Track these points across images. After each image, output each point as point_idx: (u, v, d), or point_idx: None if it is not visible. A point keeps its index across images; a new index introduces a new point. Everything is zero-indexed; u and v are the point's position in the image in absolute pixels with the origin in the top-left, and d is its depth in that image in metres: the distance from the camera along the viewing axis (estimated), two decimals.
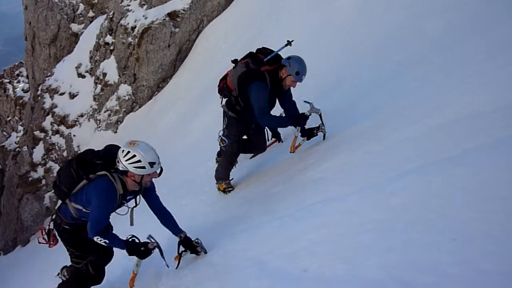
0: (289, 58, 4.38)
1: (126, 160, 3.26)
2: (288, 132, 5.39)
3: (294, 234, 2.69)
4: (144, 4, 12.12)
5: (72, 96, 13.87)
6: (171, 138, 9.47)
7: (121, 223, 3.66)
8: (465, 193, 1.97)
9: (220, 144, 4.99)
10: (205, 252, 3.56)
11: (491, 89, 3.23)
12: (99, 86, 13.15)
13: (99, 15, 14.45)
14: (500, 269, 1.47)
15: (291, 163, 4.52)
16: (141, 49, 11.58)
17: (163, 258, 3.42)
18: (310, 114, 4.50)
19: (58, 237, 3.78)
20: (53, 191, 3.59)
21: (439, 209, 1.96)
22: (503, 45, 3.91)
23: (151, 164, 3.28)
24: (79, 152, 10.96)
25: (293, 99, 4.69)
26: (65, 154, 13.59)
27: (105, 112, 12.87)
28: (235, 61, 4.64)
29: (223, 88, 4.72)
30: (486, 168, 2.07)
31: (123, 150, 3.30)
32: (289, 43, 4.53)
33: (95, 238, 3.33)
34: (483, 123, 2.73)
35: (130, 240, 3.41)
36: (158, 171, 3.39)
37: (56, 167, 13.68)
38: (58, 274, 4.28)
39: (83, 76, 13.80)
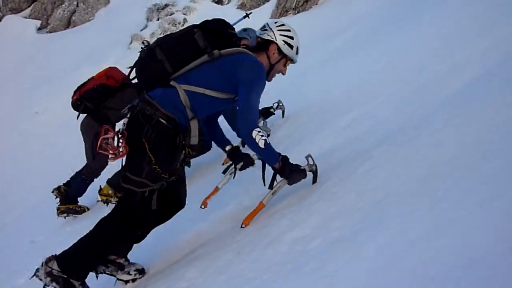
0: (245, 30, 4.09)
1: (279, 30, 2.81)
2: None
3: None
4: None
5: None
6: None
7: None
8: None
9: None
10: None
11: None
12: None
13: None
14: None
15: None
16: None
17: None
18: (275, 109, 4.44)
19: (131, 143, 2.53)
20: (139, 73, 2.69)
21: None
22: None
23: (298, 50, 2.85)
24: None
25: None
26: None
27: None
28: None
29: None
30: None
31: (276, 22, 2.90)
32: (247, 15, 4.34)
33: (254, 133, 2.49)
34: None
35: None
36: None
37: None
38: (37, 272, 2.51)
39: None
